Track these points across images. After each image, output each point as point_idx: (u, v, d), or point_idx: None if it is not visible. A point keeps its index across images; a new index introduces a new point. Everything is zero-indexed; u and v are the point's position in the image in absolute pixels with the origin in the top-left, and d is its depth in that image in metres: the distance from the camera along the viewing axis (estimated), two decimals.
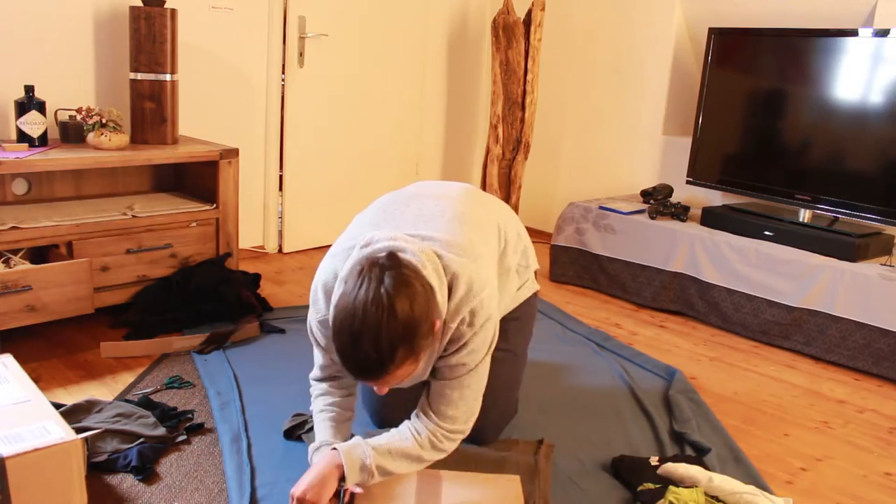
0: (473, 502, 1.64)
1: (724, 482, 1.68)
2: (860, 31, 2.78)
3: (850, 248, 2.70)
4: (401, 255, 1.38)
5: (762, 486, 1.79)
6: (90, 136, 2.53)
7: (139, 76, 2.64)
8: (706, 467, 1.81)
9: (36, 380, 2.12)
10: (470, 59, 4.27)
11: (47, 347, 2.35)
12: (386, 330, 1.27)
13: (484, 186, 3.89)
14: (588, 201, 3.48)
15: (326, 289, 1.52)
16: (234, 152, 2.73)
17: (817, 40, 2.89)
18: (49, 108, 2.65)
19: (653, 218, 3.22)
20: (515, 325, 1.93)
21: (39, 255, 2.39)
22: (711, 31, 3.23)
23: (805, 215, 3.01)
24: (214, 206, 2.72)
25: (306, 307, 2.74)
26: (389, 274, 1.31)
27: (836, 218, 3.04)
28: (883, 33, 2.72)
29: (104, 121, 2.56)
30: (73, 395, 2.04)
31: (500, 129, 3.81)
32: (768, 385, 2.49)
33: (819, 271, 2.69)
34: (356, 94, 3.69)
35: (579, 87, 4.04)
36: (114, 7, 2.80)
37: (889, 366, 2.54)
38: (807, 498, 1.82)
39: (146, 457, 1.72)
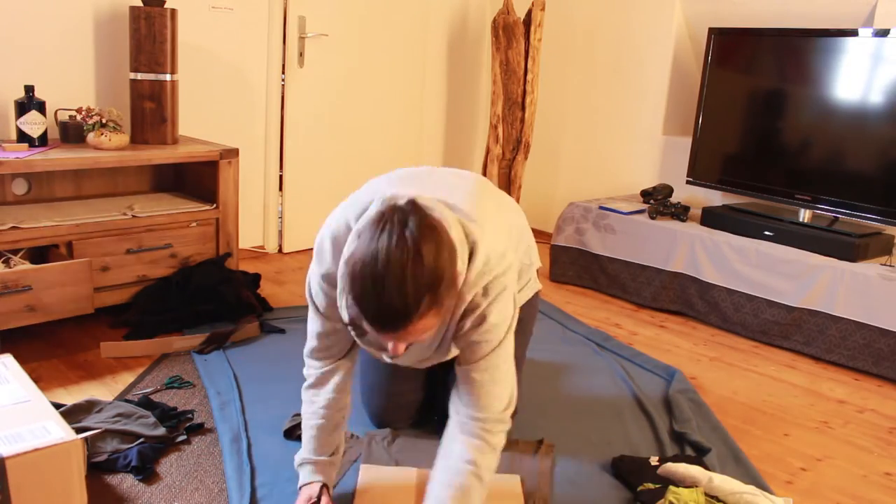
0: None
1: (724, 482, 1.68)
2: (860, 31, 2.78)
3: (850, 248, 2.70)
4: (425, 207, 1.27)
5: (762, 486, 1.79)
6: (90, 136, 2.53)
7: (139, 76, 2.64)
8: (706, 467, 1.81)
9: (36, 380, 2.12)
10: (470, 59, 4.27)
11: (47, 347, 2.35)
12: (412, 274, 1.15)
13: None
14: (588, 201, 3.48)
15: (336, 241, 1.40)
16: (234, 152, 2.73)
17: (817, 40, 2.89)
18: (49, 108, 2.65)
19: (653, 218, 3.22)
20: (516, 326, 1.92)
21: (39, 255, 2.39)
22: (711, 31, 3.23)
23: (805, 215, 3.01)
24: (214, 206, 2.72)
25: (306, 307, 2.74)
26: (413, 219, 1.19)
27: (836, 218, 3.04)
28: (883, 33, 2.72)
29: (104, 121, 2.56)
30: (73, 395, 2.04)
31: (500, 129, 3.81)
32: (768, 385, 2.49)
33: (819, 271, 2.69)
34: (356, 94, 3.69)
35: (579, 87, 4.04)
36: (114, 7, 2.80)
37: (889, 366, 2.54)
38: (807, 498, 1.82)
39: (146, 457, 1.72)
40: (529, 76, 3.74)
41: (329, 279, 1.44)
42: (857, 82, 2.79)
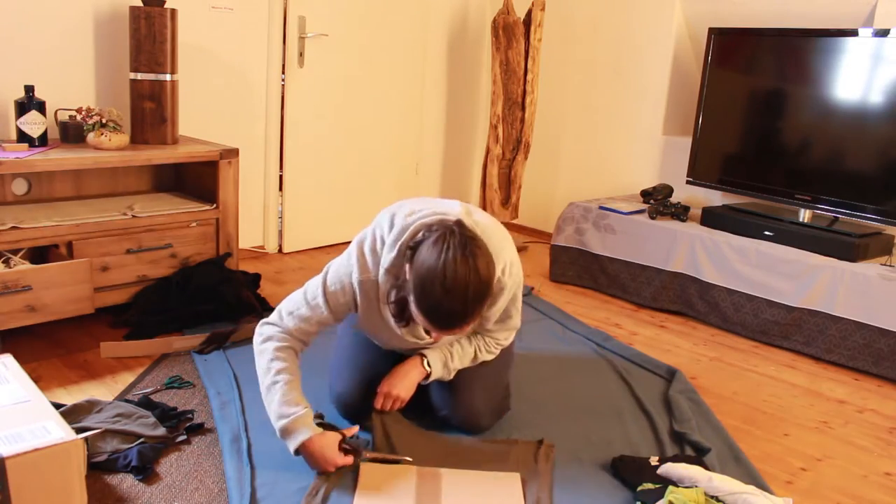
0: (473, 501, 1.65)
1: (724, 482, 1.68)
2: (860, 31, 2.78)
3: (850, 248, 2.70)
4: (469, 226, 1.59)
5: (762, 486, 1.79)
6: (90, 136, 2.53)
7: (139, 76, 2.64)
8: (706, 467, 1.81)
9: (36, 380, 2.12)
10: (470, 59, 4.27)
11: (47, 347, 2.35)
12: (473, 289, 1.49)
13: (484, 186, 3.89)
14: (588, 201, 3.48)
15: (374, 252, 1.68)
16: (234, 152, 2.73)
17: (817, 40, 2.89)
18: (49, 108, 2.65)
19: (653, 218, 3.22)
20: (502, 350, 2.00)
21: (39, 255, 2.39)
22: (711, 31, 3.23)
23: (805, 215, 3.01)
24: (214, 206, 2.72)
25: None
26: (465, 240, 1.51)
27: (836, 218, 3.04)
28: (883, 33, 2.72)
29: (104, 121, 2.56)
30: (73, 395, 2.04)
31: (500, 129, 3.81)
32: (768, 385, 2.49)
33: (819, 271, 2.69)
34: (356, 93, 3.69)
35: (579, 87, 4.04)
36: (114, 7, 2.80)
37: (889, 366, 2.54)
38: (807, 498, 1.82)
39: (146, 457, 1.72)
40: (529, 76, 3.74)
41: (370, 284, 1.69)
42: (857, 82, 2.79)
